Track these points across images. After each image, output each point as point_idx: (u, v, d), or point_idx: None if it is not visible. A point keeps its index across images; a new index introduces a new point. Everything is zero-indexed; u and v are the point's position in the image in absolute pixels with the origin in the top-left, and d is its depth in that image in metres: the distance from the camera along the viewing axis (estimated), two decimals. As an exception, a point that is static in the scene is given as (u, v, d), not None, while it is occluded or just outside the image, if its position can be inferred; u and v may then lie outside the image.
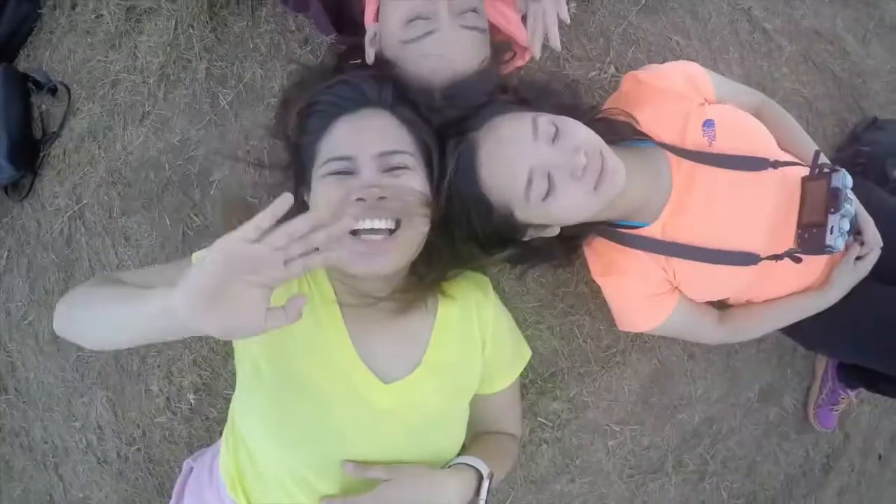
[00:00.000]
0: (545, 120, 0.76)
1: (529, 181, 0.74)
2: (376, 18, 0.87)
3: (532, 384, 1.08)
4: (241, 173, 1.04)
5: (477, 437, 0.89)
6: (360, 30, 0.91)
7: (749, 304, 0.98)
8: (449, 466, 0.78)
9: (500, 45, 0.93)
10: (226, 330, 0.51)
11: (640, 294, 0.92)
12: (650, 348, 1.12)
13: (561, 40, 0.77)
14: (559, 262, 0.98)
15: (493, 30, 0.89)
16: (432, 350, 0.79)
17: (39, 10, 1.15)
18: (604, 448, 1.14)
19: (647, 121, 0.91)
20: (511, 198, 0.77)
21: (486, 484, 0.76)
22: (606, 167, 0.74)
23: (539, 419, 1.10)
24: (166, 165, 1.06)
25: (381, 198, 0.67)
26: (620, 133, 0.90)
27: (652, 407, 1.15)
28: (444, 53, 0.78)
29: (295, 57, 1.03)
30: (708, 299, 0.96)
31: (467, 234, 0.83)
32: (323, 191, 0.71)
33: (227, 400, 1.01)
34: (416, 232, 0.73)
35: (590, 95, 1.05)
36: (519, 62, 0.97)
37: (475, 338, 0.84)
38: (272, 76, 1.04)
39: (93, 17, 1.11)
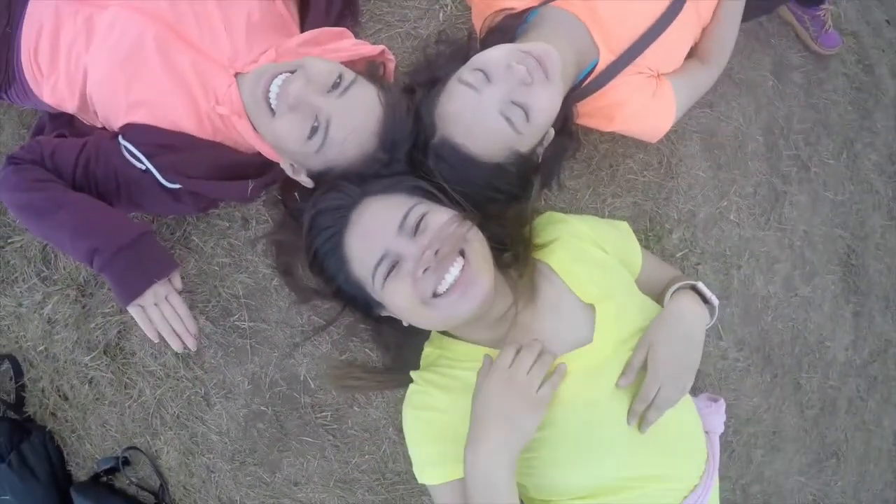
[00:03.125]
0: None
1: (507, 119, 0.78)
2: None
3: (647, 242, 1.12)
4: (315, 348, 1.04)
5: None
6: (265, 168, 0.92)
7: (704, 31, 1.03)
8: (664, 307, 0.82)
9: (370, 69, 0.95)
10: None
11: (643, 105, 0.96)
12: (682, 131, 1.16)
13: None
14: (571, 150, 1.01)
15: (350, 65, 0.90)
16: (581, 293, 0.81)
17: (47, 430, 1.13)
18: (734, 224, 1.19)
19: None
20: (508, 142, 0.80)
21: (702, 287, 0.81)
22: (542, 59, 0.78)
23: (677, 255, 1.13)
24: (262, 407, 1.06)
25: (436, 252, 0.69)
26: (512, 28, 0.93)
27: (727, 164, 1.20)
28: (351, 129, 0.80)
29: (252, 237, 1.04)
30: (684, 56, 1.00)
31: (504, 201, 0.86)
32: (393, 296, 0.71)
33: None
34: (479, 243, 0.75)
35: (460, 31, 1.08)
36: (390, 65, 0.99)
37: (593, 252, 0.86)
38: (255, 269, 1.04)
39: (87, 387, 1.10)
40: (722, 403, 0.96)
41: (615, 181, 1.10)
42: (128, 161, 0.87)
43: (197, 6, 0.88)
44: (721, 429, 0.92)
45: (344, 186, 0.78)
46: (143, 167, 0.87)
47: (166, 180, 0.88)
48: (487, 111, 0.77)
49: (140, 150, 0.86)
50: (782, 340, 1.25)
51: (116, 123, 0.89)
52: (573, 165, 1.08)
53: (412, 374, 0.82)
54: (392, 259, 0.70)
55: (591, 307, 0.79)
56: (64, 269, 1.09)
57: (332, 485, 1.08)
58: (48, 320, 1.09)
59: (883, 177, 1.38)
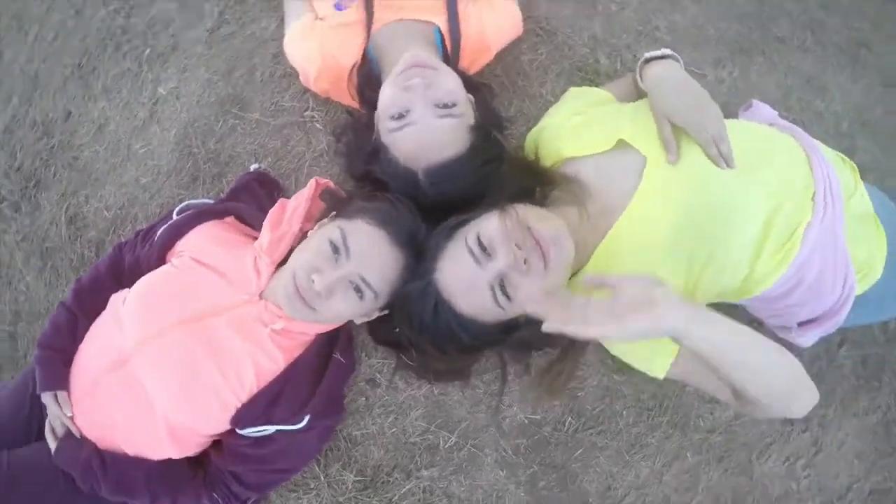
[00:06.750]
0: None
1: (446, 117, 0.89)
2: None
3: (596, 83, 1.20)
4: (509, 393, 1.10)
5: None
6: (334, 337, 1.01)
7: None
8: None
9: (331, 204, 1.02)
10: None
11: (494, 20, 1.09)
12: (525, 5, 1.25)
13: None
14: (488, 94, 1.10)
15: (309, 215, 1.01)
16: (604, 145, 0.89)
17: None
18: (619, 9, 1.29)
19: None
20: (461, 131, 0.91)
21: (650, 53, 0.92)
22: (417, 62, 0.90)
23: (619, 69, 1.23)
24: (528, 471, 1.09)
25: (518, 246, 0.76)
26: (368, 72, 1.04)
27: None
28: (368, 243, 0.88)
29: (388, 383, 1.10)
30: None
31: (496, 166, 0.96)
32: (525, 304, 0.77)
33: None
34: (526, 209, 0.82)
35: (339, 116, 1.17)
36: (331, 185, 1.08)
37: (577, 120, 0.97)
38: (416, 399, 1.09)
39: None
40: (755, 102, 1.05)
41: (531, 77, 1.20)
42: (258, 440, 0.94)
43: (190, 285, 0.95)
44: (774, 112, 1.02)
45: (412, 285, 0.85)
46: (272, 431, 0.93)
47: (295, 424, 0.94)
48: (432, 128, 0.87)
49: (260, 424, 0.93)
50: (742, 13, 1.30)
51: (220, 428, 0.94)
52: (500, 101, 1.17)
53: None
54: (499, 283, 0.77)
55: (622, 143, 0.87)
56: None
57: (629, 458, 1.11)
58: None
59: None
